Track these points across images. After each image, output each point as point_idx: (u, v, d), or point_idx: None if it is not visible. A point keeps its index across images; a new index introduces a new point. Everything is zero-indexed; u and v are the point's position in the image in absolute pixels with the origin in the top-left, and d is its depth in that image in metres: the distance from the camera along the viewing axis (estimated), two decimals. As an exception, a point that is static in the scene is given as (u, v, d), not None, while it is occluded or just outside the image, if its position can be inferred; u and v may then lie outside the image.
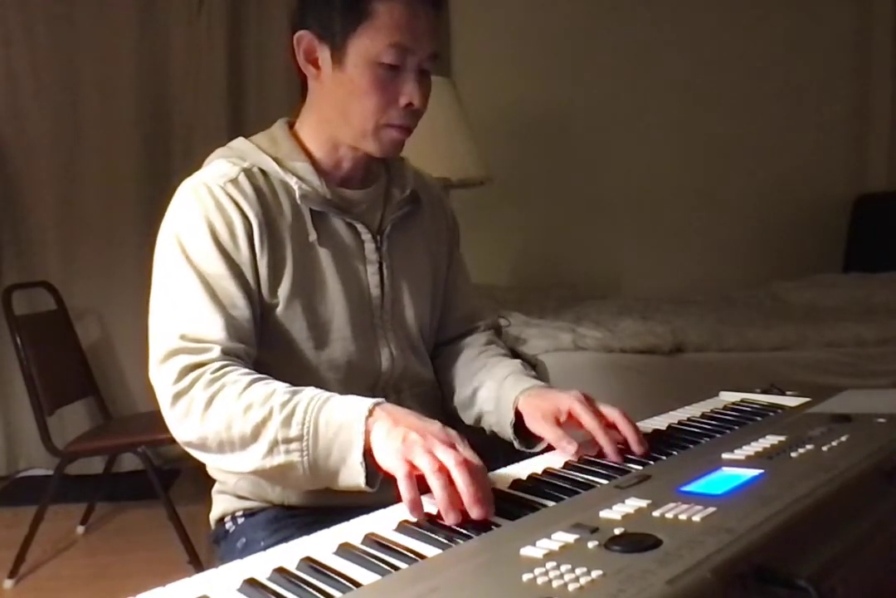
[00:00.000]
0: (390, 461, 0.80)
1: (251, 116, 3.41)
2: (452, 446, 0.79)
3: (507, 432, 1.09)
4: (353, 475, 0.85)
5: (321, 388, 0.96)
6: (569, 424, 1.00)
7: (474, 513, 0.74)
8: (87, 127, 3.32)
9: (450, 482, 0.75)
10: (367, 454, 0.83)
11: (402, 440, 0.80)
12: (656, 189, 3.74)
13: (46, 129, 3.28)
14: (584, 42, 3.65)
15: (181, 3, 3.33)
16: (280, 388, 0.92)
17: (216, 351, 0.96)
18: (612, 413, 0.99)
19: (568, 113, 3.66)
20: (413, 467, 0.78)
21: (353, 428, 0.84)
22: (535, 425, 1.04)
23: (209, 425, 0.92)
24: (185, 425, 0.94)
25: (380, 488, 0.85)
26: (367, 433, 0.83)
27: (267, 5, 3.38)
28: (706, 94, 3.74)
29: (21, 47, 3.25)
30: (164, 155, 3.38)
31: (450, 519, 0.74)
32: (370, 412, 0.85)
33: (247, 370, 0.96)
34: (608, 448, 0.94)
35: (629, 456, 0.94)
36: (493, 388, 1.14)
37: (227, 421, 0.91)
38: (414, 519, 0.76)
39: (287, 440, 0.87)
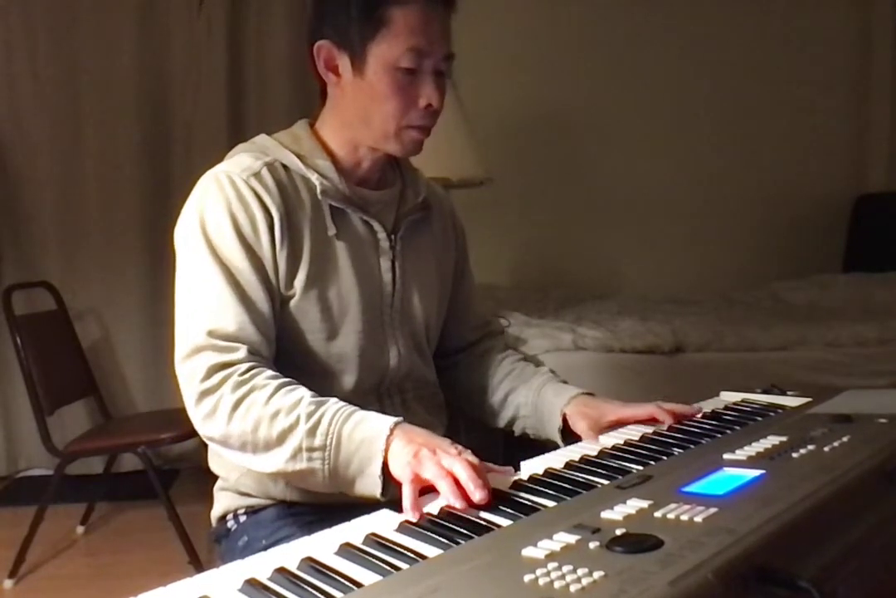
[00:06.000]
0: (400, 471, 0.88)
1: (251, 116, 3.40)
2: (457, 454, 0.87)
3: (551, 435, 1.19)
4: (369, 486, 0.92)
5: (330, 380, 1.07)
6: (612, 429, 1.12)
7: (476, 497, 0.80)
8: (87, 127, 3.32)
9: (455, 482, 0.82)
10: (384, 468, 0.91)
11: (413, 455, 0.88)
12: (656, 189, 3.74)
13: (46, 129, 3.28)
14: (584, 43, 3.65)
15: (181, 3, 3.33)
16: (306, 396, 0.97)
17: (243, 351, 1.00)
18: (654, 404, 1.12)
19: (568, 113, 3.66)
20: (417, 476, 0.85)
21: (374, 445, 0.91)
22: (577, 429, 1.15)
23: (235, 425, 0.97)
24: (209, 422, 0.99)
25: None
26: (386, 451, 0.90)
27: (267, 5, 3.38)
28: (706, 95, 3.74)
29: (21, 48, 3.25)
30: (164, 155, 3.38)
31: (458, 504, 0.80)
32: (391, 431, 0.91)
33: (273, 373, 1.00)
34: (667, 418, 1.09)
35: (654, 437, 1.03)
36: (529, 394, 1.23)
37: (253, 424, 0.96)
38: (413, 520, 0.78)
39: (311, 449, 0.93)
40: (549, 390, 1.21)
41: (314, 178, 1.09)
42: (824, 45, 3.80)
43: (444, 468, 0.84)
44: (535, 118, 3.58)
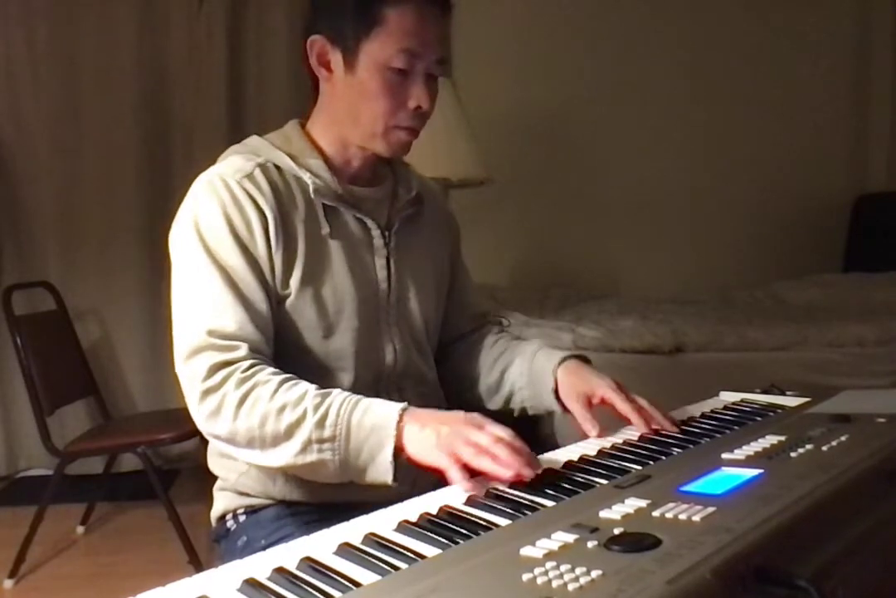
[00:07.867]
0: (433, 457, 0.89)
1: (251, 116, 3.41)
2: (481, 427, 0.89)
3: (546, 400, 1.18)
4: (381, 472, 0.93)
5: (328, 378, 1.07)
6: (602, 407, 1.11)
7: (526, 473, 0.84)
8: (87, 127, 3.32)
9: (494, 458, 0.85)
10: (396, 454, 0.92)
11: (437, 437, 0.89)
12: (656, 189, 3.73)
13: (46, 129, 3.28)
14: (584, 42, 3.65)
15: (181, 3, 3.34)
16: (311, 389, 0.98)
17: (243, 349, 1.01)
18: (641, 401, 1.10)
19: (568, 113, 3.66)
20: (456, 457, 0.86)
21: (384, 431, 0.92)
22: (567, 401, 1.14)
23: (241, 422, 0.97)
24: (214, 420, 0.99)
25: (385, 486, 0.94)
26: (398, 437, 0.92)
27: (267, 5, 3.38)
28: (706, 94, 3.74)
29: (21, 47, 3.25)
30: (164, 155, 3.38)
31: (507, 477, 0.84)
32: (400, 417, 0.93)
33: (274, 370, 1.01)
34: (642, 427, 1.05)
35: (653, 437, 1.03)
36: (523, 363, 1.22)
37: (260, 419, 0.97)
38: (469, 492, 0.83)
39: (321, 440, 0.95)
40: (542, 356, 1.21)
41: (307, 177, 1.10)
42: (824, 46, 3.80)
43: (478, 446, 0.85)
44: (535, 118, 3.58)
